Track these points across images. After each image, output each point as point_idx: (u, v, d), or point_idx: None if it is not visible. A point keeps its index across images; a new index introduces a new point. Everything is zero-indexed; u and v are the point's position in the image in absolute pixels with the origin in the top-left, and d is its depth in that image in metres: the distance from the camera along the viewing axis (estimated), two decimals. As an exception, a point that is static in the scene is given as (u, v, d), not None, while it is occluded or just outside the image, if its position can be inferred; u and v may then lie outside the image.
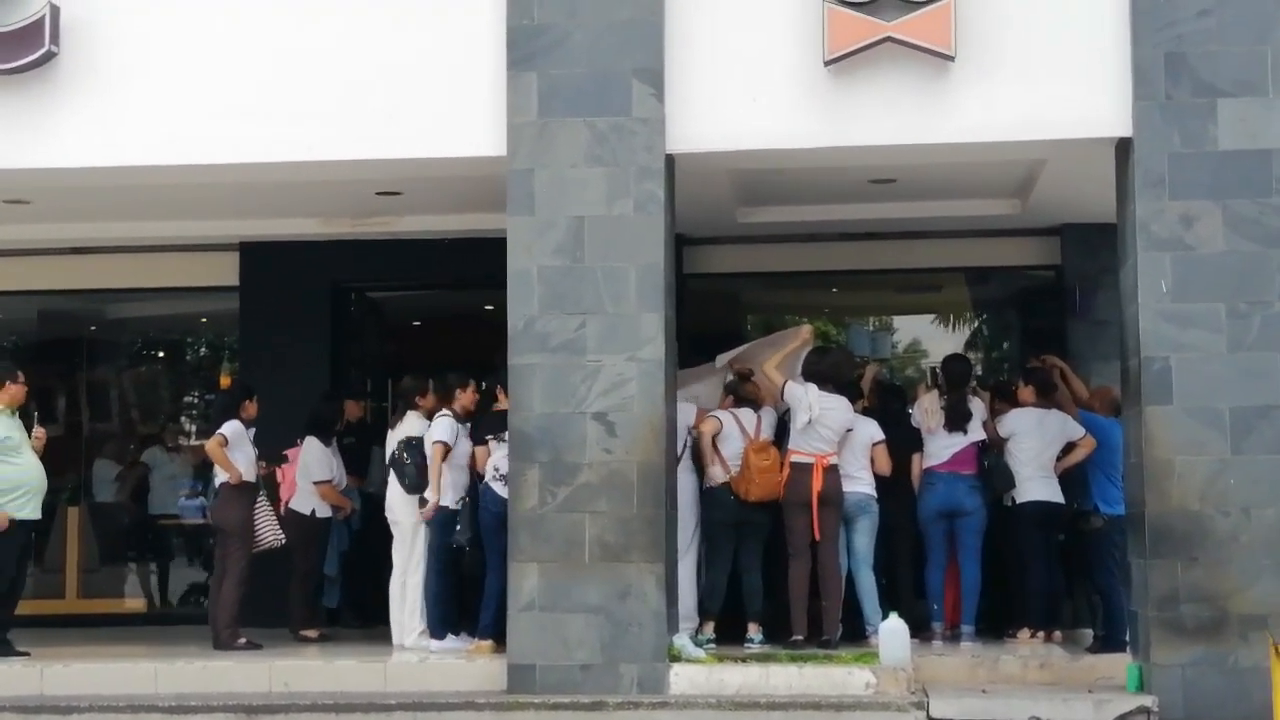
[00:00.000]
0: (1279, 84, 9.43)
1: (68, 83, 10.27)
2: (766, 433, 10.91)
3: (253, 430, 11.44)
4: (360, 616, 12.56)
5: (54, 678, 10.19)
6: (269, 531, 11.41)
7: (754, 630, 10.76)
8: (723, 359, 11.57)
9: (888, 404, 11.80)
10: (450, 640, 10.86)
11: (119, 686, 10.00)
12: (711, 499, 10.86)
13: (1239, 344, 9.34)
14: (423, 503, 10.95)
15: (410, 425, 11.23)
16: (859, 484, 10.83)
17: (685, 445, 10.81)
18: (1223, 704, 9.14)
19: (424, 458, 10.98)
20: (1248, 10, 9.50)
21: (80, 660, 10.53)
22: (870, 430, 10.96)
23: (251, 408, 11.45)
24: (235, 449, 11.26)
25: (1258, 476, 9.25)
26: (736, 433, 10.86)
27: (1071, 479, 11.10)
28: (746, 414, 10.97)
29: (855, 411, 10.91)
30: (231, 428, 11.27)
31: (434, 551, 10.96)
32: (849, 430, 10.75)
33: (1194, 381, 9.34)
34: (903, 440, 11.21)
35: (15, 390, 10.91)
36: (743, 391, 11.11)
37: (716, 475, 10.82)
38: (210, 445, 11.35)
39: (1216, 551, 9.24)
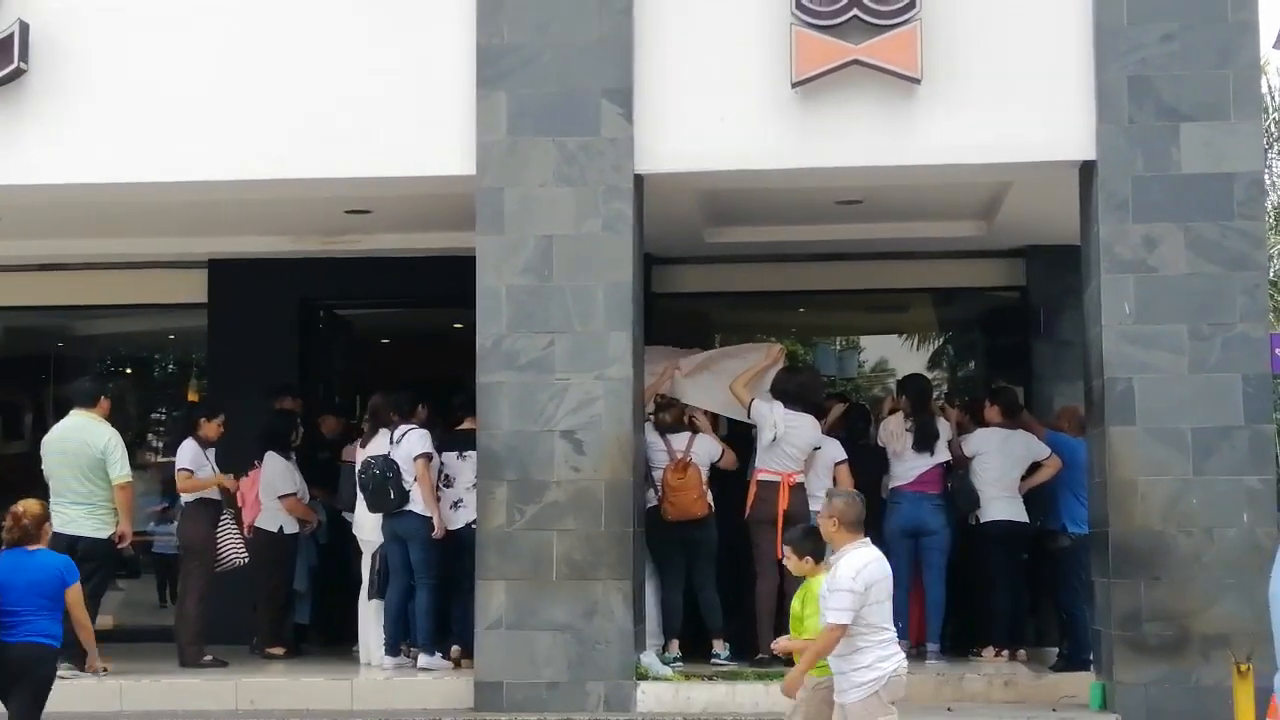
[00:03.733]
0: (1241, 108, 9.55)
1: (36, 99, 10.26)
2: (698, 456, 10.76)
3: (212, 450, 11.35)
4: (328, 633, 12.50)
5: (19, 695, 10.13)
6: (232, 550, 11.33)
7: (719, 645, 10.74)
8: (686, 364, 11.56)
9: (853, 424, 11.84)
10: (438, 658, 10.80)
11: (84, 704, 9.91)
12: (650, 519, 10.85)
13: (1201, 365, 9.42)
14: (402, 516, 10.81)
15: (380, 444, 11.15)
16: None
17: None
18: (1185, 722, 9.22)
19: (400, 475, 10.78)
20: (1210, 35, 9.60)
21: (45, 677, 10.46)
22: (832, 451, 11.01)
23: (210, 427, 11.34)
24: (195, 471, 11.20)
25: (1219, 497, 9.34)
26: (663, 457, 10.77)
27: (1039, 498, 11.17)
28: (679, 439, 10.85)
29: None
30: (188, 453, 11.21)
31: (429, 566, 10.78)
32: (816, 449, 10.80)
33: (1156, 402, 9.42)
34: (866, 461, 11.25)
35: (107, 406, 10.87)
36: (664, 420, 10.95)
37: (651, 497, 10.82)
38: (180, 486, 11.28)
39: (1179, 571, 9.32)
